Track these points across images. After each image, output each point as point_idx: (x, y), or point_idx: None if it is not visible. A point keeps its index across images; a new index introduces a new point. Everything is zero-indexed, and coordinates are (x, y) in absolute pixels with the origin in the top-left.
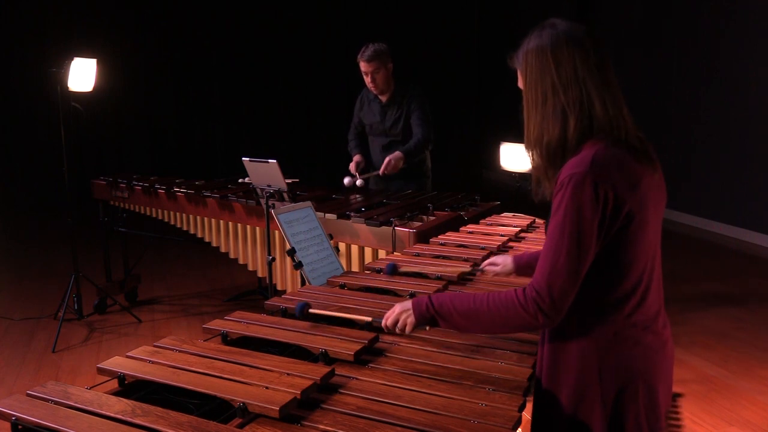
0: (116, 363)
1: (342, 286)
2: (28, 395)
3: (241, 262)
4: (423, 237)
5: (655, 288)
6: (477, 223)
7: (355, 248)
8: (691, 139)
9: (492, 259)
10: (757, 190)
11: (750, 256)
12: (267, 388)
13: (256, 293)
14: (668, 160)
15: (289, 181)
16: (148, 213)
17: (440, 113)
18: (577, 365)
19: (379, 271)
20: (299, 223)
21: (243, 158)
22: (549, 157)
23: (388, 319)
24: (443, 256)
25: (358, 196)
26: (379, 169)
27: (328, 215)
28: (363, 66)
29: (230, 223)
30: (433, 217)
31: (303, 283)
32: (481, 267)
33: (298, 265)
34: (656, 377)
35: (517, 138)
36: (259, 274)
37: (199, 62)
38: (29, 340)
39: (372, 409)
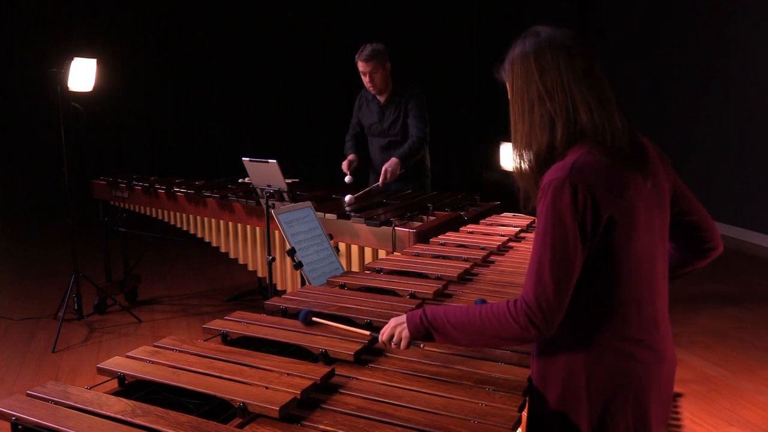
0: (116, 363)
1: (342, 286)
2: (28, 395)
3: (241, 262)
4: (423, 237)
5: (651, 302)
6: (477, 223)
7: (355, 248)
8: (691, 139)
9: None
10: (757, 190)
11: (750, 256)
12: (267, 388)
13: (256, 293)
14: None
15: (289, 181)
16: (148, 213)
17: (440, 113)
18: (565, 377)
19: (379, 271)
20: (299, 223)
21: (243, 158)
22: (539, 165)
23: (383, 335)
24: (443, 256)
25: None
26: (377, 169)
27: (328, 215)
28: (361, 66)
29: (230, 223)
30: (433, 217)
31: (303, 283)
32: None
33: (298, 265)
34: (648, 393)
35: None
36: (259, 274)
37: (199, 62)
38: (29, 340)
39: (372, 409)
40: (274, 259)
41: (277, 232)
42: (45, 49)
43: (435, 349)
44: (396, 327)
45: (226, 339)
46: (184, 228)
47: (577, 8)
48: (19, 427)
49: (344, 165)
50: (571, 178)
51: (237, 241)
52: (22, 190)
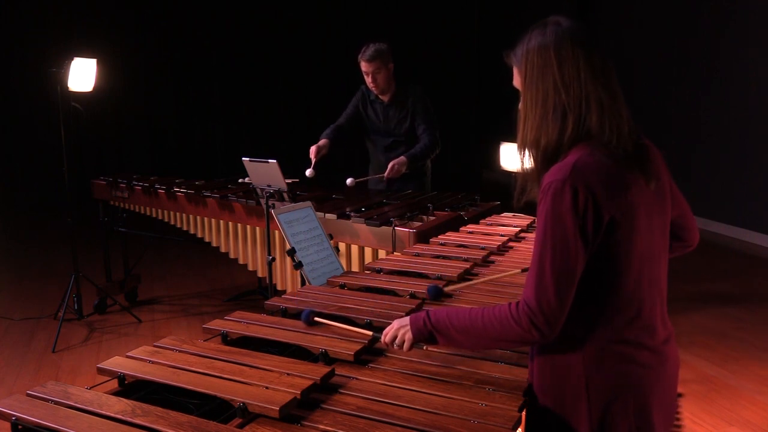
0: (116, 363)
1: (342, 286)
2: (28, 395)
3: (241, 262)
4: (423, 237)
5: (652, 303)
6: (477, 223)
7: (355, 248)
8: (691, 139)
9: None
10: (757, 190)
11: (750, 256)
12: (267, 388)
13: (256, 293)
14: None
15: (289, 181)
16: (148, 213)
17: (440, 113)
18: (565, 380)
19: (379, 271)
20: (299, 223)
21: (243, 158)
22: (545, 161)
23: (386, 336)
24: (443, 256)
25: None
26: (378, 169)
27: (328, 215)
28: (364, 66)
29: (230, 223)
30: (433, 217)
31: (303, 283)
32: None
33: (298, 265)
34: (650, 396)
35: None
36: (259, 274)
37: (199, 62)
38: (29, 340)
39: (372, 409)
40: (274, 259)
41: (277, 232)
42: (45, 49)
43: (435, 349)
44: (399, 329)
45: (226, 339)
46: (184, 228)
47: (577, 8)
48: (19, 427)
49: (312, 150)
50: (572, 180)
51: (237, 241)
52: (22, 190)
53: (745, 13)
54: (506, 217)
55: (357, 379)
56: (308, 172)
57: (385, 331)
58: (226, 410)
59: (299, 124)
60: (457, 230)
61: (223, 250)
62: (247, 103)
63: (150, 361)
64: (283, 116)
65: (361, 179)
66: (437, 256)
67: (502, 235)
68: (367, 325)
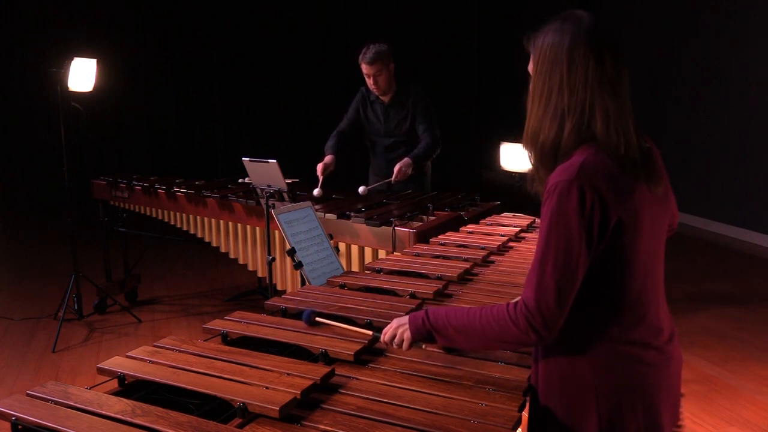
0: (116, 363)
1: (342, 286)
2: (28, 395)
3: (241, 262)
4: (423, 237)
5: (656, 303)
6: (477, 223)
7: (355, 248)
8: (691, 139)
9: None
10: (757, 190)
11: (750, 256)
12: (267, 388)
13: (256, 293)
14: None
15: (289, 181)
16: (148, 213)
17: (440, 113)
18: (572, 384)
19: (379, 271)
20: (299, 223)
21: (243, 158)
22: (542, 158)
23: (385, 335)
24: (443, 256)
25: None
26: (378, 171)
27: (328, 215)
28: (365, 69)
29: (230, 223)
30: (433, 217)
31: (303, 283)
32: None
33: (298, 265)
34: (658, 395)
35: (517, 138)
36: (259, 274)
37: (199, 62)
38: (29, 340)
39: (372, 409)
40: (274, 259)
41: (277, 232)
42: (45, 49)
43: (435, 349)
44: (398, 328)
45: (226, 339)
46: (184, 228)
47: (577, 8)
48: (19, 427)
49: (319, 168)
50: (579, 180)
51: (237, 241)
52: (22, 190)
53: (745, 13)
54: (506, 217)
55: (357, 379)
56: (316, 192)
57: (384, 330)
58: (226, 410)
59: (299, 124)
60: (457, 230)
61: (223, 250)
62: (247, 103)
63: (150, 361)
64: (283, 116)
65: (372, 186)
66: (437, 256)
67: (502, 235)
68: (367, 325)
